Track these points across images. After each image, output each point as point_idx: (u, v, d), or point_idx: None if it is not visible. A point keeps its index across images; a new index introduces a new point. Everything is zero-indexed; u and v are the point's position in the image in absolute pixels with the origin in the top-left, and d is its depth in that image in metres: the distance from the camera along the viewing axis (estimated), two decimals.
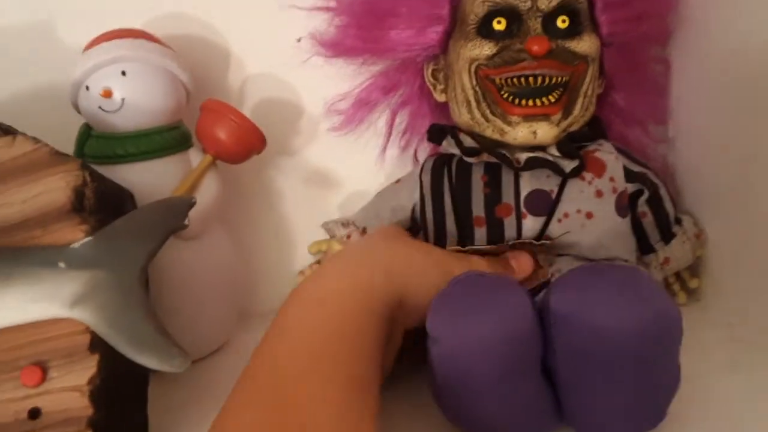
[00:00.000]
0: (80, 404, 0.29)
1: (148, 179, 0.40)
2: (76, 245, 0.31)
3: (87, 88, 0.41)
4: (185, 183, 0.42)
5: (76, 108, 0.42)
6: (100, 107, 0.41)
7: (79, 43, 0.44)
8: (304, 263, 0.51)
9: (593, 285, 0.30)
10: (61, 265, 0.30)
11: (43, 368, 0.30)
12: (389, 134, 0.50)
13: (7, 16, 0.47)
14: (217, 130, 0.42)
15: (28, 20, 0.47)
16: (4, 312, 0.30)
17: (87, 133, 0.41)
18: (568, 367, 0.30)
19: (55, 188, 0.32)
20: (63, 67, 0.44)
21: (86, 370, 0.30)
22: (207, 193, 0.42)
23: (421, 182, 0.43)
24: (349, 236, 0.46)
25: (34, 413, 0.29)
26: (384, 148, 0.50)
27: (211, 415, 0.30)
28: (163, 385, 0.38)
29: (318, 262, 0.49)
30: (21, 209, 0.31)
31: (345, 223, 0.47)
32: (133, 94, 0.41)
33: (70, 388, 0.29)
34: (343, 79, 0.49)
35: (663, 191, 0.43)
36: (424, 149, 0.49)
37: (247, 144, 0.43)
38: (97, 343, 0.30)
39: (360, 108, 0.49)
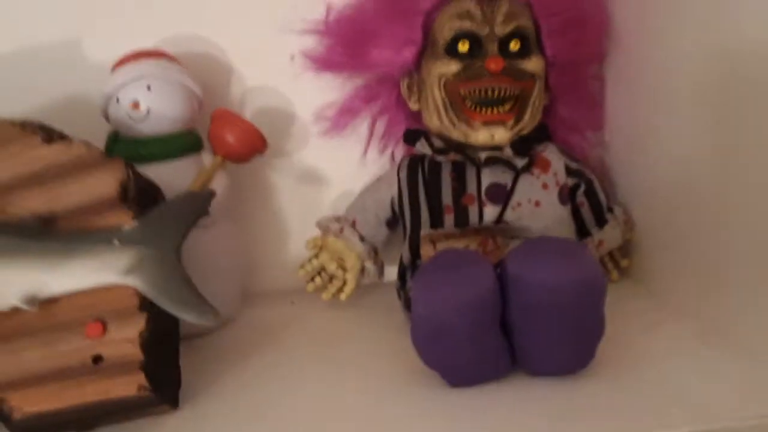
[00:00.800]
0: (133, 351, 0.36)
1: (168, 177, 0.44)
2: (126, 227, 0.37)
3: (117, 100, 0.47)
4: (199, 180, 0.47)
5: (106, 117, 0.48)
6: (129, 116, 0.47)
7: (102, 59, 0.49)
8: (297, 251, 0.54)
9: (539, 252, 0.37)
10: (115, 242, 0.37)
11: (103, 323, 0.36)
12: (370, 138, 0.54)
13: (41, 35, 0.52)
14: (227, 134, 0.48)
15: (59, 39, 0.52)
16: (71, 280, 0.36)
17: (115, 138, 0.47)
18: (521, 317, 0.37)
19: (105, 182, 0.38)
20: (89, 81, 0.49)
21: (136, 325, 0.36)
22: (217, 188, 0.47)
23: (398, 178, 0.49)
24: (342, 229, 0.51)
25: (97, 359, 0.36)
26: (366, 150, 0.55)
27: (222, 377, 0.39)
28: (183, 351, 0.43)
29: (316, 256, 0.52)
30: (79, 199, 0.38)
31: (337, 219, 0.52)
32: (156, 105, 0.47)
33: (124, 339, 0.36)
34: (331, 90, 0.53)
35: (597, 185, 0.50)
36: (400, 151, 0.54)
37: (252, 146, 0.49)
38: (145, 304, 0.37)
39: (345, 115, 0.53)
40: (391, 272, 0.51)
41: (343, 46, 0.51)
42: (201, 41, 0.53)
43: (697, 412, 0.34)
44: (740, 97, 0.37)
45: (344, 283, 0.52)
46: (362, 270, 0.51)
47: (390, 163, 0.55)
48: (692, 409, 0.35)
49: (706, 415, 0.34)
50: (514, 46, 0.47)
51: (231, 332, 0.51)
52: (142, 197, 0.40)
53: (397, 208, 0.50)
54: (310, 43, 0.52)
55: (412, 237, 0.47)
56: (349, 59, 0.51)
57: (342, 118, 0.54)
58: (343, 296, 0.52)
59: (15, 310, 0.36)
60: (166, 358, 0.39)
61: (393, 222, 0.51)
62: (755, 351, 0.37)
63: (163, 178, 0.44)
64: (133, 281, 0.37)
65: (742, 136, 0.37)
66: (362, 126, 0.55)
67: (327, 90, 0.54)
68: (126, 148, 0.47)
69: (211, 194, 0.42)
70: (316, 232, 0.53)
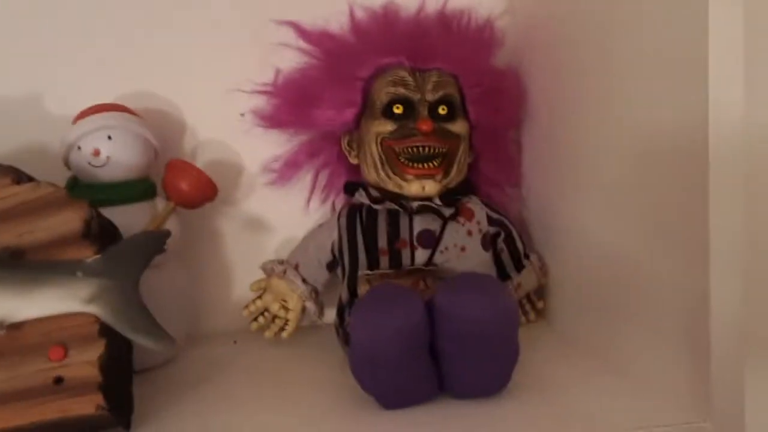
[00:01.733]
0: (92, 373, 0.38)
1: (123, 220, 0.47)
2: (89, 260, 0.40)
3: (79, 148, 0.50)
4: (152, 224, 0.51)
5: (66, 164, 0.51)
6: (89, 163, 0.50)
7: (63, 113, 0.53)
8: (242, 294, 0.57)
9: (463, 286, 0.41)
10: (79, 274, 0.40)
11: (65, 347, 0.38)
12: (313, 189, 0.59)
13: (7, 89, 0.56)
14: (181, 182, 0.52)
15: (24, 94, 0.55)
16: (38, 307, 0.38)
17: (74, 183, 0.50)
18: (447, 345, 0.41)
19: (70, 220, 0.41)
20: (51, 132, 0.53)
21: (96, 349, 0.39)
22: None
23: (339, 224, 0.53)
24: (285, 271, 0.54)
25: (58, 380, 0.38)
26: (309, 200, 0.59)
27: (168, 408, 0.42)
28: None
29: (260, 297, 0.55)
30: (45, 235, 0.40)
31: (281, 262, 0.55)
32: (116, 154, 0.50)
33: (85, 362, 0.38)
34: (277, 145, 0.58)
35: (515, 233, 0.55)
36: (340, 200, 0.58)
37: (204, 193, 0.53)
38: (104, 331, 0.39)
39: (290, 168, 0.58)
40: (331, 314, 0.55)
41: (289, 106, 0.56)
42: (158, 98, 0.58)
43: (596, 426, 0.40)
44: (637, 163, 0.42)
45: (286, 322, 0.55)
46: (303, 310, 0.55)
47: (331, 212, 0.59)
48: (592, 424, 0.40)
49: (603, 428, 0.39)
50: (442, 110, 0.52)
51: (176, 368, 0.53)
52: (103, 235, 0.43)
53: (336, 252, 0.54)
54: (260, 102, 0.58)
55: (350, 277, 0.52)
56: (295, 118, 0.56)
57: (287, 170, 0.58)
58: (285, 335, 0.55)
59: None
60: (122, 381, 0.42)
61: (333, 265, 0.55)
62: (642, 379, 0.43)
63: (118, 221, 0.47)
64: (95, 309, 0.39)
65: (636, 195, 0.43)
66: (306, 178, 0.59)
67: (274, 144, 0.59)
68: (84, 192, 0.49)
69: (167, 233, 0.45)
70: (261, 276, 0.56)
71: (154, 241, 0.44)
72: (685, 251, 0.38)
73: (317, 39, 0.57)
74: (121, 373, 0.42)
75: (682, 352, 0.39)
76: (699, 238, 0.36)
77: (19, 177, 0.42)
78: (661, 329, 0.41)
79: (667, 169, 0.39)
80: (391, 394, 0.42)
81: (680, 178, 0.38)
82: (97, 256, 0.41)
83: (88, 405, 0.38)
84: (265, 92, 0.58)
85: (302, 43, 0.58)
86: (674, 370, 0.40)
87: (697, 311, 0.37)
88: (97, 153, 0.50)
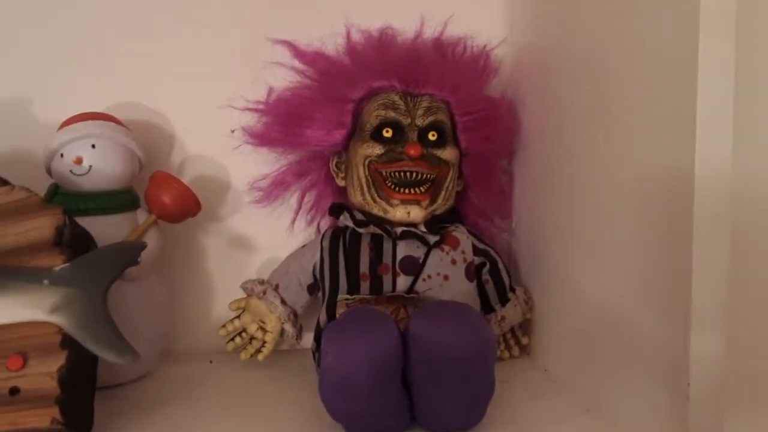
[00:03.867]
0: (50, 385, 0.37)
1: (103, 230, 0.46)
2: (57, 268, 0.39)
3: (62, 155, 0.50)
4: (132, 236, 0.50)
5: (48, 171, 0.51)
6: (71, 171, 0.50)
7: (50, 120, 0.53)
8: (220, 314, 0.57)
9: (438, 314, 0.40)
10: (45, 282, 0.39)
11: (24, 357, 0.37)
12: (298, 210, 0.58)
13: None
14: (163, 195, 0.51)
15: (11, 98, 0.55)
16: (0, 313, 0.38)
17: (55, 190, 0.49)
18: (420, 374, 0.40)
19: (42, 226, 0.40)
20: (35, 138, 0.52)
21: (57, 361, 0.38)
22: (148, 245, 0.48)
23: (321, 246, 0.53)
24: (265, 292, 0.53)
25: (14, 391, 0.37)
26: (293, 221, 0.58)
27: (134, 427, 0.41)
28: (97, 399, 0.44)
29: (238, 317, 0.54)
30: (15, 240, 0.40)
31: (261, 282, 0.54)
32: (98, 163, 0.50)
33: (44, 374, 0.37)
34: (265, 163, 0.57)
35: (501, 265, 0.54)
36: (326, 222, 0.58)
37: (186, 208, 0.52)
38: (67, 342, 0.38)
39: (277, 187, 0.57)
40: (309, 339, 0.54)
41: (280, 125, 0.56)
42: (148, 110, 0.58)
43: None
44: (627, 208, 0.41)
45: (263, 344, 0.54)
46: (282, 332, 0.54)
47: (315, 234, 0.59)
48: None
49: None
50: (431, 136, 0.52)
51: (147, 385, 0.52)
52: (75, 243, 0.42)
53: (318, 274, 0.53)
54: (250, 119, 0.58)
55: (329, 301, 0.51)
56: (285, 137, 0.56)
57: (274, 189, 0.58)
58: (261, 357, 0.54)
59: None
60: (82, 397, 0.40)
61: (314, 288, 0.54)
62: (621, 422, 0.42)
63: (97, 231, 0.46)
64: (58, 319, 0.38)
65: (624, 241, 0.42)
66: (292, 198, 0.59)
67: (262, 163, 0.58)
68: (65, 200, 0.49)
69: (142, 245, 0.44)
70: (241, 295, 0.55)
71: (127, 253, 0.43)
72: (668, 302, 0.37)
73: (311, 59, 0.57)
74: (81, 387, 0.40)
75: (662, 398, 0.38)
76: (682, 290, 0.35)
77: None
78: (642, 374, 0.40)
79: (654, 217, 0.38)
80: (361, 423, 0.41)
81: (666, 227, 0.37)
82: (66, 264, 0.40)
83: (43, 418, 0.37)
84: (256, 110, 0.57)
85: (296, 63, 0.58)
86: (653, 416, 0.38)
87: (678, 360, 0.36)
88: (79, 161, 0.50)
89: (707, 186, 0.34)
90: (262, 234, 0.59)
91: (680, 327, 0.35)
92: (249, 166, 0.58)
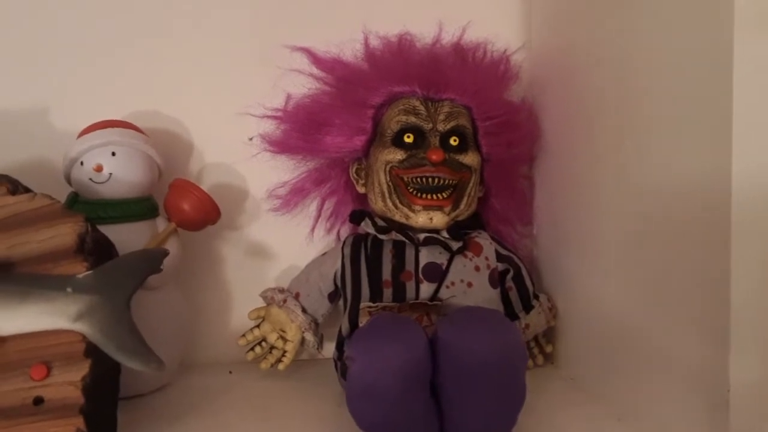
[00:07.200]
0: (74, 395, 0.37)
1: (122, 238, 0.46)
2: (80, 276, 0.39)
3: (81, 163, 0.49)
4: (152, 243, 0.50)
5: (67, 179, 0.50)
6: (90, 179, 0.49)
7: (69, 128, 0.52)
8: (239, 323, 0.56)
9: (468, 320, 0.40)
10: (69, 289, 0.38)
11: (48, 366, 0.37)
12: (318, 217, 0.58)
13: (14, 100, 0.55)
14: (182, 202, 0.51)
15: (31, 107, 0.55)
16: (22, 322, 0.37)
17: (74, 199, 0.49)
18: (450, 381, 0.39)
19: (64, 233, 0.40)
20: (55, 147, 0.52)
21: (80, 370, 0.37)
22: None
23: (342, 254, 0.52)
24: (285, 300, 0.53)
25: (38, 401, 0.36)
26: (313, 228, 0.58)
27: None
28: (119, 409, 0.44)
29: (257, 326, 0.53)
30: (38, 247, 0.39)
31: (281, 290, 0.54)
32: (118, 171, 0.50)
33: (67, 383, 0.37)
34: (284, 171, 0.57)
35: (524, 272, 0.54)
36: (346, 230, 0.57)
37: (206, 215, 0.51)
38: (90, 351, 0.38)
39: (296, 195, 0.57)
40: (330, 348, 0.53)
41: (299, 132, 0.55)
42: (166, 117, 0.57)
43: None
44: (655, 216, 0.41)
45: (284, 353, 0.53)
46: (302, 341, 0.53)
47: (335, 241, 0.58)
48: None
49: None
50: (453, 141, 0.52)
51: (167, 396, 0.52)
52: (97, 251, 0.41)
53: (339, 282, 0.53)
54: (268, 126, 0.57)
55: (351, 309, 0.50)
56: (304, 144, 0.55)
57: (293, 197, 0.58)
58: (281, 366, 0.53)
59: None
60: (105, 406, 0.40)
61: (335, 296, 0.54)
62: (658, 427, 0.41)
63: (117, 240, 0.46)
64: (82, 327, 0.38)
65: (653, 250, 0.41)
66: (311, 206, 0.58)
67: (280, 170, 0.58)
68: (84, 208, 0.47)
69: (165, 253, 0.44)
70: (260, 304, 0.55)
71: (151, 260, 0.43)
72: (704, 310, 0.36)
73: (330, 65, 0.57)
74: (105, 397, 0.40)
75: (699, 405, 0.37)
76: (720, 299, 0.34)
77: (15, 187, 0.41)
78: (676, 381, 0.39)
79: (686, 225, 0.38)
80: None
81: (700, 235, 0.36)
82: (89, 272, 0.40)
83: (68, 429, 0.36)
84: (274, 117, 0.57)
85: (314, 69, 0.57)
86: (691, 423, 0.37)
87: (716, 366, 0.35)
88: (99, 169, 0.49)
89: (745, 191, 0.34)
90: (281, 242, 0.59)
91: (718, 334, 0.35)
92: (267, 173, 0.58)
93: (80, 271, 0.40)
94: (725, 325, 0.34)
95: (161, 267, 0.43)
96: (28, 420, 0.36)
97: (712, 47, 0.35)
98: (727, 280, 0.34)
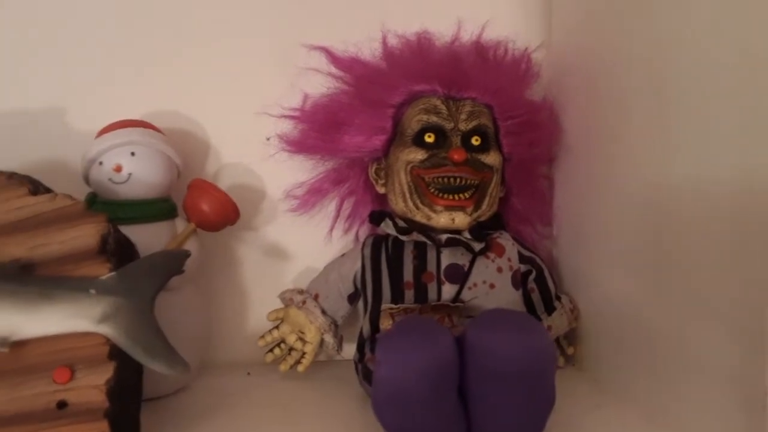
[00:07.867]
0: (98, 398, 0.36)
1: (142, 239, 0.45)
2: (103, 277, 0.38)
3: (100, 163, 0.49)
4: (171, 245, 0.49)
5: (86, 179, 0.50)
6: (110, 179, 0.49)
7: (87, 128, 0.52)
8: (258, 324, 0.56)
9: (497, 321, 0.39)
10: (92, 291, 0.38)
11: (72, 369, 0.36)
12: (336, 218, 0.57)
13: (33, 100, 0.55)
14: (202, 203, 0.50)
15: (49, 107, 0.55)
16: (45, 324, 0.36)
17: (93, 199, 0.49)
18: (478, 384, 0.39)
19: (87, 234, 0.39)
20: (73, 147, 0.52)
21: (105, 373, 0.37)
22: None
23: (362, 255, 0.51)
24: (304, 301, 0.52)
25: (62, 405, 0.36)
26: (331, 229, 0.57)
27: None
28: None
29: (276, 328, 0.53)
30: (59, 248, 0.39)
31: (300, 291, 0.53)
32: (138, 171, 0.49)
33: (91, 386, 0.36)
34: (302, 171, 0.57)
35: (547, 273, 0.53)
36: (364, 231, 0.57)
37: (225, 216, 0.51)
38: (114, 354, 0.37)
39: (314, 195, 0.56)
40: (349, 350, 0.53)
41: (317, 132, 0.55)
42: (184, 117, 0.57)
43: None
44: (682, 219, 0.40)
45: (303, 355, 0.53)
46: (321, 343, 0.53)
47: (354, 242, 0.57)
48: None
49: None
50: (475, 141, 0.51)
51: (186, 397, 0.51)
52: (119, 251, 0.41)
53: (359, 284, 0.52)
54: (286, 126, 0.57)
55: (372, 311, 0.49)
56: (323, 143, 0.55)
57: (311, 197, 0.57)
58: (300, 368, 0.53)
59: None
60: (129, 409, 0.39)
61: (354, 297, 0.53)
62: (691, 430, 0.40)
63: (136, 240, 0.45)
64: (106, 329, 0.37)
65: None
66: (329, 206, 0.58)
67: (298, 171, 0.57)
68: (103, 209, 0.46)
69: (187, 253, 0.43)
70: (279, 305, 0.54)
71: (173, 261, 0.42)
72: (741, 312, 0.35)
73: (348, 64, 0.56)
74: (129, 400, 0.39)
75: (734, 407, 0.36)
76: (755, 301, 0.34)
77: (36, 188, 0.41)
78: (709, 384, 0.38)
79: (714, 227, 0.37)
80: None
81: (734, 237, 0.36)
82: (113, 273, 0.39)
83: None
84: (292, 117, 0.56)
85: (333, 69, 0.57)
86: (726, 425, 0.37)
87: (752, 368, 0.34)
88: (119, 169, 0.49)
89: None
90: (300, 243, 0.58)
91: (754, 336, 0.34)
92: (285, 173, 0.57)
93: (103, 272, 0.39)
94: (762, 327, 0.34)
95: (183, 268, 0.43)
96: (51, 424, 0.35)
97: (744, 47, 0.34)
98: (764, 281, 0.33)
